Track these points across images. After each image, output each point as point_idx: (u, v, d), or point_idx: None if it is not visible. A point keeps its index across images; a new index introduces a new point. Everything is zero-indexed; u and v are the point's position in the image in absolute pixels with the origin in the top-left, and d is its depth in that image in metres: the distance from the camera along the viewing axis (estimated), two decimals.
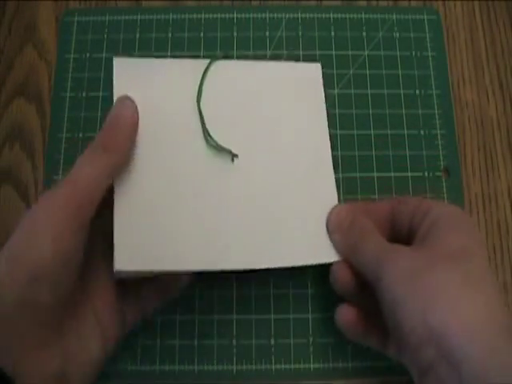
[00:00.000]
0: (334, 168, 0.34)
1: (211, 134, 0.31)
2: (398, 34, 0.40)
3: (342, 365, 0.33)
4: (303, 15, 0.40)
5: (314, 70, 0.37)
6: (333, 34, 0.40)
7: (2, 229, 0.36)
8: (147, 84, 0.32)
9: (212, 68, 0.34)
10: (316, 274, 0.34)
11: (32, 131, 0.38)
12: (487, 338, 0.22)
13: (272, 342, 0.34)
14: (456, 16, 0.41)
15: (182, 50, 0.39)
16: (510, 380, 0.21)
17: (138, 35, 0.40)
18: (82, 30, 0.40)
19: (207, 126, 0.31)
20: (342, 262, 0.30)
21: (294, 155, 0.33)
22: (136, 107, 0.29)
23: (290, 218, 0.31)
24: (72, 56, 0.39)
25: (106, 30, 0.40)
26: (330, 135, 0.34)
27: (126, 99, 0.29)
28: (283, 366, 0.33)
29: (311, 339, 0.34)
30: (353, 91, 0.39)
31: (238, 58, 0.39)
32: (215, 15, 0.40)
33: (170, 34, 0.40)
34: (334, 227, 0.31)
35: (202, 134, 0.32)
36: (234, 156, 0.31)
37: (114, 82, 0.31)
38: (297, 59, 0.39)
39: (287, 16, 0.40)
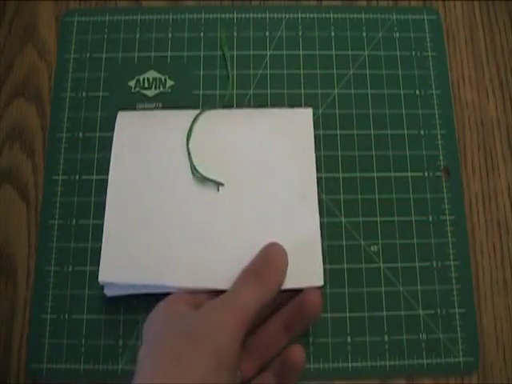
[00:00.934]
0: (335, 168, 0.34)
1: (199, 169, 0.35)
2: (397, 34, 0.40)
3: (342, 365, 0.33)
4: (303, 15, 0.40)
5: (305, 116, 0.37)
6: (333, 34, 0.40)
7: (1, 229, 0.36)
8: (145, 130, 0.36)
9: (205, 115, 0.37)
10: None
11: (32, 131, 0.38)
12: None
13: None
14: (456, 16, 0.41)
15: (181, 50, 0.39)
16: None
17: (137, 35, 0.40)
18: (82, 30, 0.40)
19: (196, 164, 0.35)
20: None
21: (280, 190, 0.35)
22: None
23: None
24: (72, 56, 0.39)
25: (106, 30, 0.40)
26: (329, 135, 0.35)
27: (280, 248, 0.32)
28: None
29: (311, 339, 0.34)
30: (353, 91, 0.39)
31: (238, 57, 0.39)
32: (215, 15, 0.40)
33: (170, 34, 0.40)
34: None
35: (189, 169, 0.35)
36: (219, 184, 0.34)
37: (115, 132, 0.36)
38: (297, 59, 0.39)
39: (287, 16, 0.40)
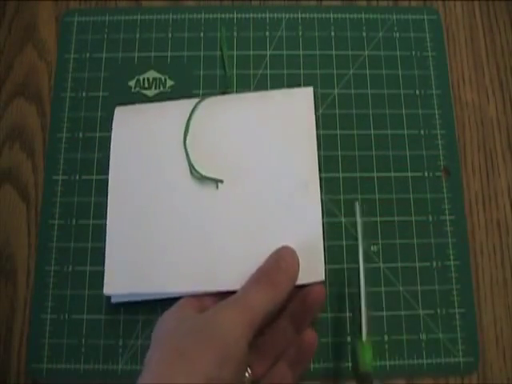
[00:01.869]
0: (335, 168, 0.34)
1: (198, 165, 0.34)
2: (397, 34, 0.40)
3: (342, 365, 0.33)
4: (303, 15, 0.40)
5: (306, 95, 0.37)
6: (333, 34, 0.40)
7: (1, 229, 0.36)
8: (142, 126, 0.36)
9: (203, 104, 0.36)
10: None
11: (32, 131, 0.38)
12: None
13: None
14: (456, 16, 0.41)
15: (181, 50, 0.39)
16: None
17: (137, 35, 0.40)
18: (82, 30, 0.40)
19: (195, 159, 0.34)
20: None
21: (281, 180, 0.34)
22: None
23: (275, 240, 0.32)
24: (72, 56, 0.39)
25: (106, 30, 0.40)
26: (329, 134, 0.35)
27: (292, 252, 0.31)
28: None
29: None
30: (353, 91, 0.39)
31: (238, 57, 0.39)
32: (215, 15, 0.40)
33: (170, 34, 0.40)
34: None
35: (188, 168, 0.35)
36: (218, 182, 0.34)
37: (113, 128, 0.36)
38: (297, 59, 0.39)
39: (287, 16, 0.40)
